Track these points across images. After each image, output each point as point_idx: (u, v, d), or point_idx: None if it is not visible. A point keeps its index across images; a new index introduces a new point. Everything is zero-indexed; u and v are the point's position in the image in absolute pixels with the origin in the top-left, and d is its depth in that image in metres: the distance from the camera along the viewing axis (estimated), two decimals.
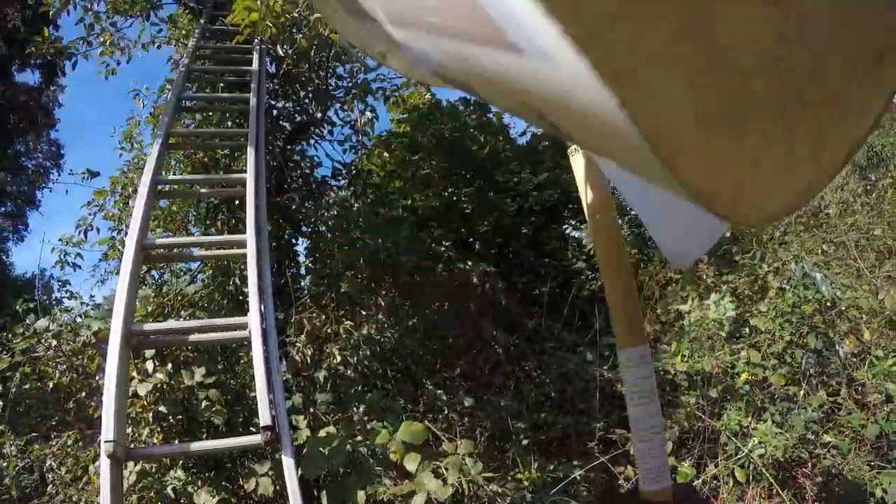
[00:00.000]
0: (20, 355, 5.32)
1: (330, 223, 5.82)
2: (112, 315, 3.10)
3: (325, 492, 3.61)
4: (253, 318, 3.06)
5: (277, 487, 3.95)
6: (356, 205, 6.19)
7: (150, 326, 3.46)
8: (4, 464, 6.09)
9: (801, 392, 5.56)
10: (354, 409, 4.26)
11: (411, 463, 3.59)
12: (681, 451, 5.78)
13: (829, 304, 5.96)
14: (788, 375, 5.64)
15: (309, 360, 4.57)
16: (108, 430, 2.64)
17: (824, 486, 5.34)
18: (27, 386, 5.39)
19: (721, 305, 6.07)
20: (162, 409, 4.11)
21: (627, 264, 1.34)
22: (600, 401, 6.36)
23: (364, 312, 4.75)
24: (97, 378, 4.90)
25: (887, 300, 6.12)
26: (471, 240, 7.14)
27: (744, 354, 5.81)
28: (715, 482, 5.50)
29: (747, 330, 6.09)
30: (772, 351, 5.78)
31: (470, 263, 6.10)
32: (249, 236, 3.49)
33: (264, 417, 2.71)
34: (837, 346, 5.92)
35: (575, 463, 5.63)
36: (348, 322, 4.64)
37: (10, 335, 5.57)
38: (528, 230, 7.89)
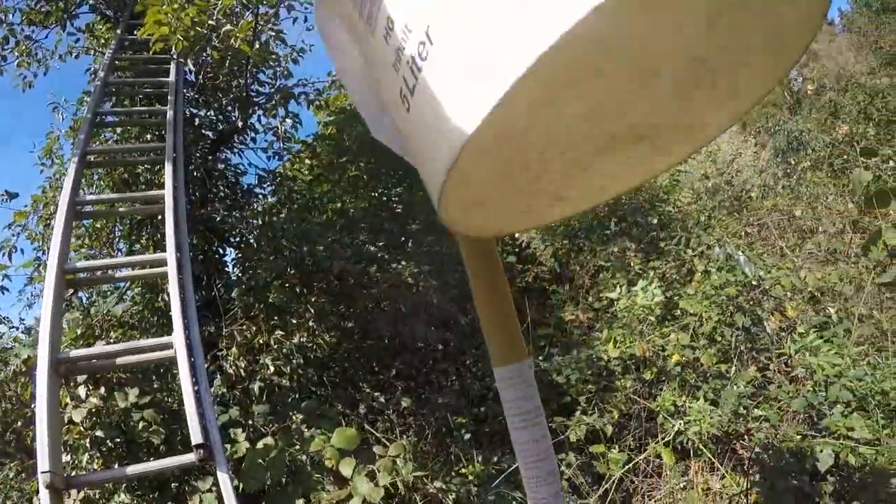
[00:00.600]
0: None
1: (256, 232, 5.86)
2: (40, 338, 3.12)
3: (265, 503, 3.71)
4: (177, 337, 3.12)
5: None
6: (283, 212, 6.23)
7: (76, 353, 3.47)
8: None
9: (732, 369, 5.85)
10: (292, 418, 4.36)
11: (346, 468, 3.74)
12: (622, 434, 6.04)
13: (753, 283, 6.28)
14: (719, 354, 5.93)
15: (243, 373, 4.64)
16: (43, 461, 2.66)
17: (759, 457, 5.67)
18: None
19: (649, 291, 6.34)
20: (99, 433, 4.13)
21: (501, 272, 1.34)
22: (539, 390, 6.56)
23: (295, 321, 4.83)
24: (32, 406, 4.86)
25: (809, 278, 6.51)
26: (402, 239, 7.24)
27: (673, 337, 6.06)
28: (658, 460, 5.77)
29: (678, 312, 6.35)
30: (701, 332, 6.04)
31: (403, 263, 6.21)
32: (170, 254, 3.54)
33: (195, 435, 2.79)
34: (765, 323, 6.26)
35: None
36: (279, 332, 4.72)
37: None
38: None
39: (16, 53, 6.56)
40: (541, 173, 1.08)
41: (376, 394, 5.29)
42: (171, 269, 3.48)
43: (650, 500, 5.44)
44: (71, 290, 5.09)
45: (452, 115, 0.89)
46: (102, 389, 4.12)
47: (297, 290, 5.12)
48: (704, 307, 6.09)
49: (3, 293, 6.09)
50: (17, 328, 6.00)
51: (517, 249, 8.88)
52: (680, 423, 5.54)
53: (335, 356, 5.38)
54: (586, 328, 7.72)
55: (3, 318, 6.29)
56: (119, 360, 3.40)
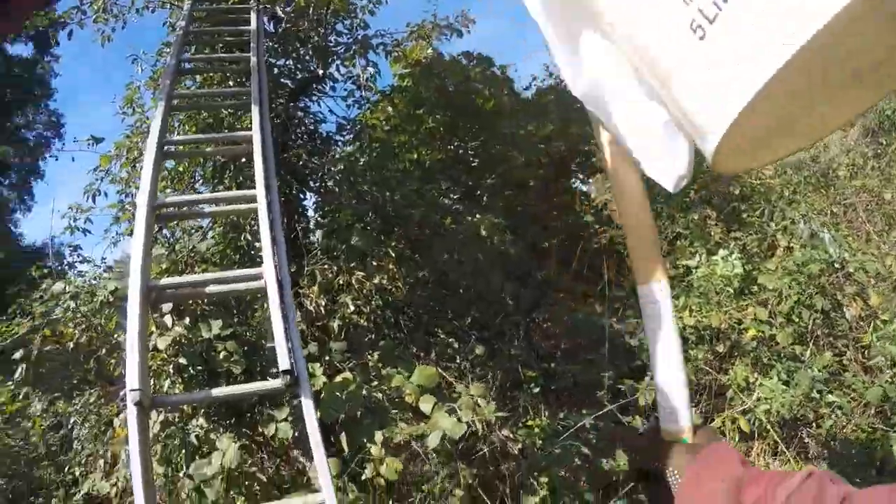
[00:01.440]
0: (40, 318, 5.59)
1: (337, 177, 5.99)
2: (129, 273, 3.29)
3: (343, 433, 3.85)
4: (268, 269, 3.24)
5: (296, 433, 4.24)
6: (362, 159, 6.35)
7: (166, 281, 3.65)
8: (30, 423, 6.45)
9: (808, 352, 5.75)
10: (368, 356, 4.51)
11: (426, 404, 3.85)
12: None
13: (836, 265, 6.10)
14: (795, 334, 5.79)
15: (322, 310, 4.82)
16: (132, 380, 2.82)
17: (827, 446, 5.56)
18: (48, 348, 5.67)
19: (729, 262, 6.24)
20: (182, 361, 4.39)
21: (644, 193, 1.42)
22: (609, 351, 6.58)
23: (374, 264, 4.94)
24: (116, 337, 5.18)
25: (895, 265, 6.26)
26: (478, 192, 7.29)
27: (751, 311, 5.97)
28: (721, 436, 5.69)
29: (755, 288, 6.22)
30: (779, 309, 5.93)
31: (478, 216, 6.27)
32: (259, 190, 3.67)
33: (283, 362, 2.90)
34: (844, 309, 6.06)
35: (584, 412, 5.85)
36: (360, 273, 4.85)
37: (29, 300, 5.84)
38: (536, 183, 8.05)
39: (94, 8, 6.78)
40: (794, 107, 1.18)
41: (450, 340, 5.40)
42: (261, 204, 3.61)
43: None
44: (157, 227, 5.32)
45: (758, 50, 0.95)
46: (187, 320, 4.36)
47: (378, 234, 5.22)
48: (785, 283, 5.96)
49: (86, 235, 6.43)
50: (101, 267, 6.31)
51: (594, 210, 8.84)
52: (751, 401, 5.46)
53: (411, 301, 5.50)
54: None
55: (88, 258, 6.68)
56: (208, 289, 3.55)
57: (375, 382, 4.08)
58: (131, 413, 2.80)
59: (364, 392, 3.89)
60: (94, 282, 5.71)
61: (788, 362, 5.64)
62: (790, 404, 5.20)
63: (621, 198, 1.47)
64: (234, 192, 4.07)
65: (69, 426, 6.47)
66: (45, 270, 6.23)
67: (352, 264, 4.86)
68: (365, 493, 3.99)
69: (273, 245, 3.36)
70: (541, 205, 7.88)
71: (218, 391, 3.46)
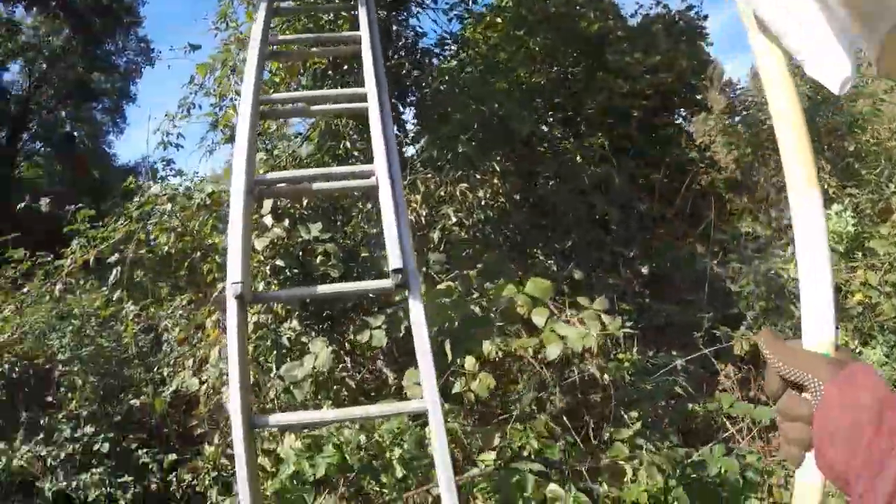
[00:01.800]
0: (135, 223, 5.69)
1: (441, 88, 5.79)
2: (231, 170, 3.20)
3: (447, 342, 3.71)
4: (379, 165, 3.10)
5: (391, 341, 4.18)
6: (467, 70, 6.10)
7: (273, 175, 3.56)
8: (122, 327, 6.66)
9: None
10: (472, 268, 4.37)
11: (539, 317, 3.64)
12: None
13: None
14: None
15: (423, 220, 4.70)
16: (234, 273, 2.75)
17: None
18: (143, 251, 5.78)
19: (843, 218, 5.87)
20: (279, 262, 4.35)
21: (800, 108, 1.25)
22: (708, 295, 6.31)
23: (478, 177, 4.78)
24: (210, 242, 5.20)
25: None
26: (578, 119, 6.97)
27: (860, 274, 5.61)
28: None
29: (862, 254, 5.86)
30: (887, 278, 5.53)
31: (579, 141, 6.01)
32: (370, 87, 3.50)
33: (395, 261, 2.77)
34: None
35: (674, 353, 5.65)
36: (464, 185, 4.70)
37: (125, 207, 5.96)
38: (638, 114, 7.67)
39: None
40: None
41: (549, 262, 5.23)
42: (372, 100, 3.44)
43: None
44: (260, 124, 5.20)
45: None
46: (286, 222, 4.30)
47: (483, 147, 5.02)
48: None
49: (178, 150, 6.48)
50: (195, 179, 6.33)
51: (697, 148, 8.42)
52: None
53: (511, 219, 5.33)
54: (763, 243, 7.22)
55: (181, 171, 6.74)
56: (316, 185, 3.43)
57: (477, 294, 3.89)
58: (231, 306, 2.71)
59: (469, 301, 3.74)
60: (189, 186, 5.74)
61: (890, 335, 5.29)
62: (889, 378, 4.86)
63: (770, 86, 1.29)
64: (343, 90, 3.89)
65: (159, 330, 6.67)
66: (139, 184, 6.30)
67: (457, 174, 4.69)
68: (458, 405, 3.91)
69: (385, 141, 3.21)
70: (642, 137, 7.49)
71: (323, 288, 3.38)
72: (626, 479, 3.90)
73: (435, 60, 6.50)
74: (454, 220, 4.67)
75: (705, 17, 8.81)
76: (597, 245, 5.98)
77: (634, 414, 4.79)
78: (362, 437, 3.60)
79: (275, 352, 4.43)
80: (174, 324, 6.51)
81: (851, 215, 5.93)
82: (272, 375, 4.36)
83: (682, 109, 8.58)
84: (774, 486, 4.27)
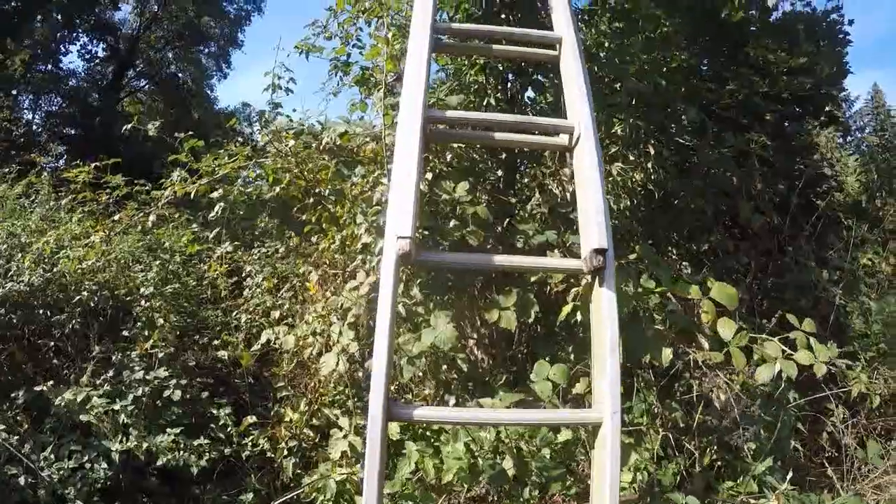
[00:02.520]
0: (244, 159, 5.11)
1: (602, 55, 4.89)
2: (402, 98, 2.54)
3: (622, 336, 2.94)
4: (581, 118, 2.39)
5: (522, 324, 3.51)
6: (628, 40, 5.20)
7: (453, 114, 2.88)
8: (206, 266, 6.16)
9: None
10: (626, 256, 3.62)
11: (726, 329, 2.92)
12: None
13: None
14: None
15: (568, 197, 3.97)
16: (401, 226, 2.07)
17: None
18: (249, 190, 5.23)
19: None
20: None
21: None
22: (831, 327, 5.47)
23: (632, 158, 4.03)
24: (328, 187, 4.54)
25: None
26: (711, 116, 6.03)
27: None
28: None
29: None
30: None
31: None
32: (564, 31, 2.78)
33: (599, 239, 2.07)
34: None
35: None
36: (619, 164, 3.94)
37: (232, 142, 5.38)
38: (772, 118, 6.74)
39: None
40: None
41: (683, 264, 4.46)
42: (568, 48, 2.70)
43: None
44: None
45: None
46: (429, 176, 3.62)
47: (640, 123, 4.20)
48: None
49: (287, 94, 5.84)
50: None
51: (832, 162, 7.47)
52: None
53: (653, 212, 4.57)
54: (885, 280, 6.67)
55: (288, 116, 6.10)
56: (498, 136, 2.74)
57: (642, 289, 3.12)
58: (388, 264, 2.11)
59: (633, 297, 2.99)
60: (315, 124, 5.09)
61: None
62: None
63: None
64: (531, 31, 3.06)
65: (244, 275, 6.15)
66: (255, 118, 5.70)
67: (612, 150, 3.93)
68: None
69: (586, 94, 2.49)
70: (775, 143, 6.55)
71: (500, 259, 2.72)
72: None
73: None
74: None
75: (851, 23, 7.77)
76: (731, 253, 5.17)
77: (752, 445, 4.12)
78: (488, 435, 2.93)
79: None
80: (258, 271, 6.00)
81: None
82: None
83: (814, 119, 7.55)
84: None
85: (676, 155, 4.84)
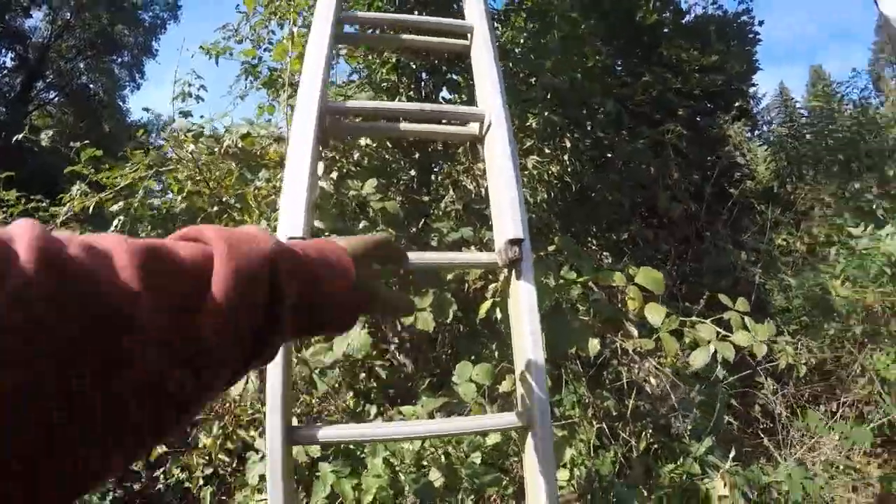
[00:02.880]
0: (145, 168, 4.83)
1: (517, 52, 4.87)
2: (299, 89, 2.38)
3: (545, 330, 2.84)
4: (491, 106, 2.28)
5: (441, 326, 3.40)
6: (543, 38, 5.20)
7: (354, 103, 2.70)
8: None
9: None
10: (545, 249, 3.56)
11: (655, 314, 2.77)
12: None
13: None
14: None
15: (482, 193, 3.89)
16: (293, 226, 1.91)
17: None
18: (151, 201, 4.93)
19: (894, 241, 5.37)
20: (318, 223, 3.48)
21: None
22: (753, 308, 5.68)
23: (548, 152, 3.98)
24: (232, 193, 4.33)
25: None
26: (627, 106, 6.15)
27: None
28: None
29: None
30: None
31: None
32: (476, 21, 2.67)
33: (514, 228, 1.94)
34: None
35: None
36: (535, 157, 3.88)
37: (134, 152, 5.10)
38: (684, 113, 6.95)
39: None
40: None
41: (604, 254, 4.45)
42: (479, 37, 2.59)
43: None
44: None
45: None
46: (334, 175, 3.46)
47: (555, 118, 4.16)
48: None
49: (198, 102, 5.63)
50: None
51: (743, 153, 7.76)
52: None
53: (567, 203, 4.54)
54: (800, 258, 6.74)
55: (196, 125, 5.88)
56: (405, 127, 2.61)
57: (563, 280, 3.03)
58: None
59: (556, 288, 2.90)
60: (217, 126, 4.85)
61: None
62: None
63: None
64: (443, 19, 2.92)
65: None
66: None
67: (527, 144, 3.88)
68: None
69: (495, 82, 2.40)
70: (688, 137, 6.77)
71: (412, 255, 2.59)
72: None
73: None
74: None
75: (761, 23, 8.17)
76: (651, 242, 5.23)
77: (688, 426, 4.14)
78: (411, 447, 2.77)
79: None
80: None
81: None
82: (294, 360, 3.54)
83: (725, 114, 7.88)
84: None
85: (593, 149, 4.86)
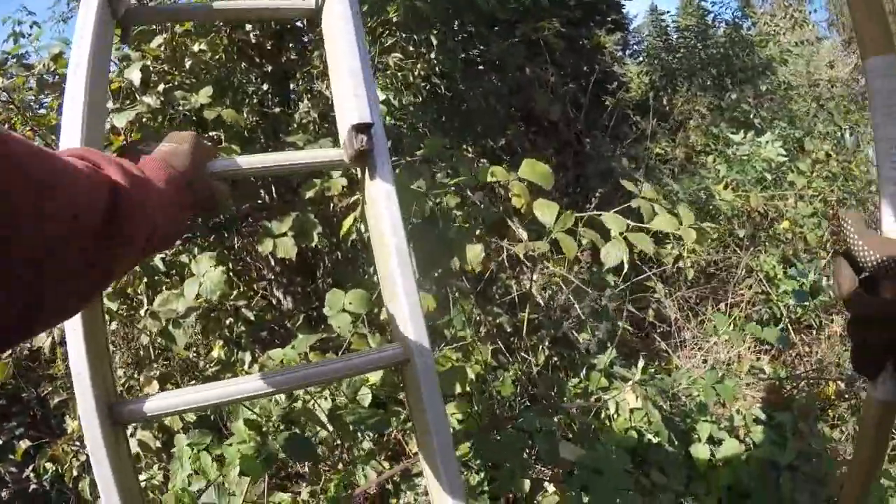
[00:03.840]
0: None
1: None
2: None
3: (418, 243, 2.43)
4: None
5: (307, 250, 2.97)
6: None
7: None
8: None
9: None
10: (413, 155, 3.14)
11: (545, 212, 2.31)
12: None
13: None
14: (820, 241, 5.13)
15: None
16: (70, 139, 1.43)
17: None
18: None
19: (774, 148, 5.78)
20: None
21: None
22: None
23: (412, 49, 3.55)
24: (51, 125, 3.65)
25: None
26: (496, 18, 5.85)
27: (792, 202, 5.38)
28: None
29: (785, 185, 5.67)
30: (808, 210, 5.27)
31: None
32: None
33: (360, 112, 1.38)
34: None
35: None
36: (397, 55, 3.44)
37: None
38: (559, 23, 6.78)
39: None
40: None
41: (482, 161, 4.12)
42: None
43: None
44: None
45: None
46: (161, 88, 2.90)
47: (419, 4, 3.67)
48: (822, 188, 5.39)
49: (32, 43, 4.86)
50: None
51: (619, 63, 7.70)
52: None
53: (440, 108, 4.17)
54: (678, 165, 6.98)
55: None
56: (219, 6, 2.09)
57: (439, 185, 2.62)
58: None
59: (428, 194, 2.49)
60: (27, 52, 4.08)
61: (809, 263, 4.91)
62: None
63: None
64: None
65: None
66: None
67: (391, 41, 3.41)
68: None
69: None
70: (563, 46, 6.62)
71: (245, 159, 2.02)
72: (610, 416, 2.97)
73: None
74: (382, 97, 3.42)
75: None
76: (530, 148, 5.00)
77: (586, 336, 3.95)
78: (281, 399, 2.33)
79: (144, 279, 3.07)
80: None
81: (782, 145, 5.89)
82: (143, 313, 3.01)
83: (599, 28, 7.81)
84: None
85: (464, 48, 4.47)
